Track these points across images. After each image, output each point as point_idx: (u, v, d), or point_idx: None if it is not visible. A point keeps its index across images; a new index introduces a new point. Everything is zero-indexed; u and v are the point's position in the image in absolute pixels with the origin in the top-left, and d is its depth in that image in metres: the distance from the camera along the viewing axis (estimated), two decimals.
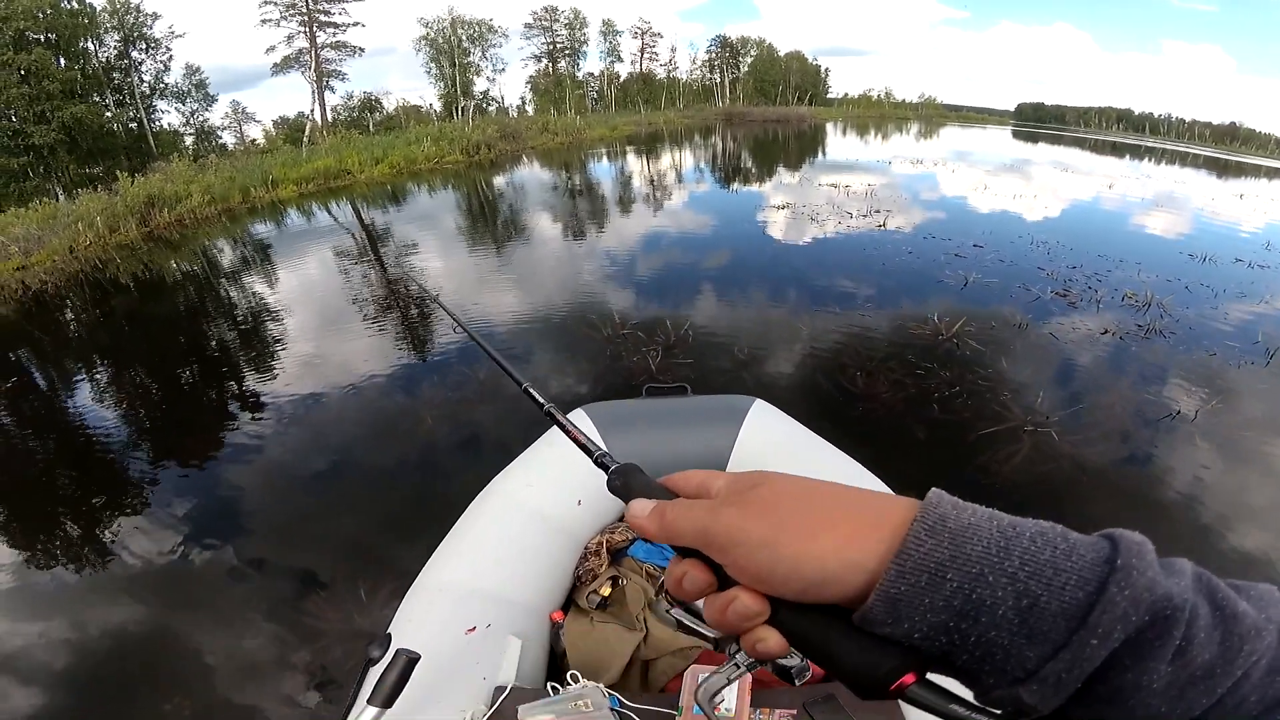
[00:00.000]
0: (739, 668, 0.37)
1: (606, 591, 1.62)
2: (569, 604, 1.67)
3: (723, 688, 0.39)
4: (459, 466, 3.35)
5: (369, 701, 1.03)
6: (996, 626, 0.27)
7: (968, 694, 0.30)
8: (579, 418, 1.94)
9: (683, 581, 0.35)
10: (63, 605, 2.67)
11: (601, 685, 1.19)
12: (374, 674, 1.11)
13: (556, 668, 1.47)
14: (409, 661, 1.07)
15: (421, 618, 1.42)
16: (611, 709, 1.13)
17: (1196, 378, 4.05)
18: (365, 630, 2.31)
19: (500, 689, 1.21)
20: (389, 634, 1.24)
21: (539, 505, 1.73)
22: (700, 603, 0.37)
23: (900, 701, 0.30)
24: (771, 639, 0.33)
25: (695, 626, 0.42)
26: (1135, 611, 0.25)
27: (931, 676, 0.30)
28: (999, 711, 0.28)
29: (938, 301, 5.27)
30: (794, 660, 0.37)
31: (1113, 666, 0.25)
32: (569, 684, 1.21)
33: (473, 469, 3.25)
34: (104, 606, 2.65)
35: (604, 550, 1.73)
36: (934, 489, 0.31)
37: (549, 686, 1.22)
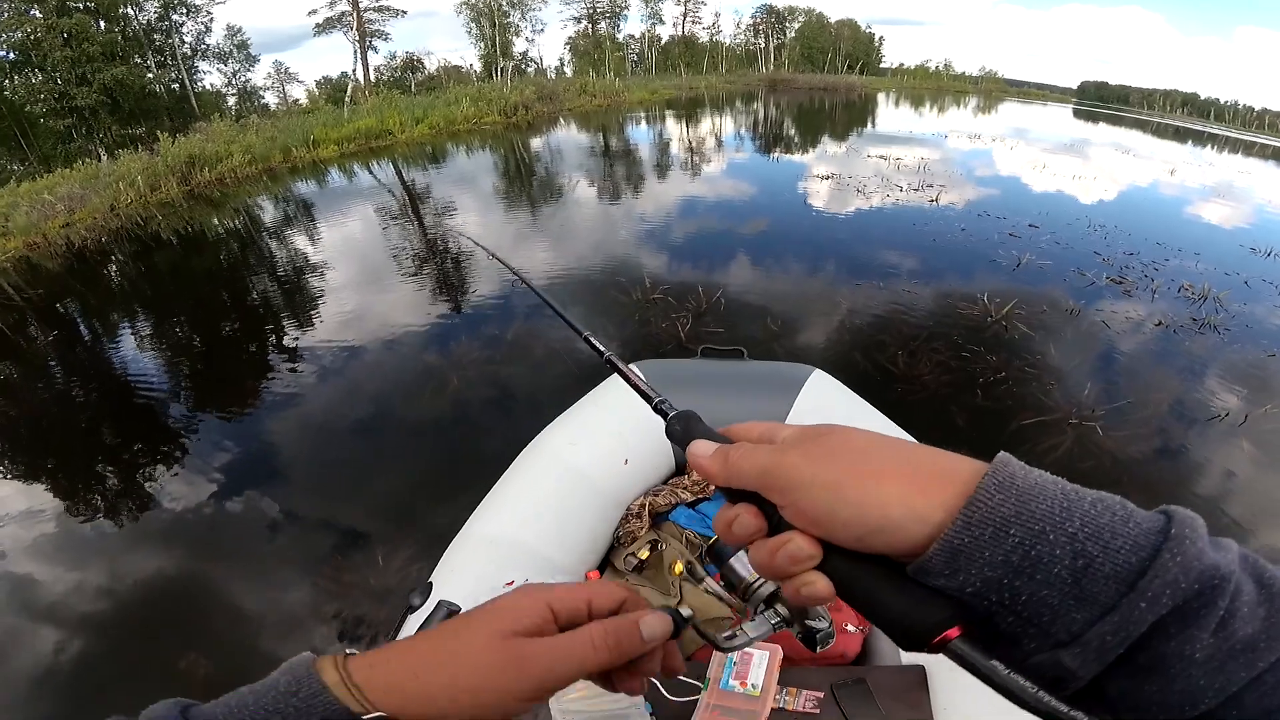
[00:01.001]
0: (766, 623, 0.38)
1: (644, 555, 1.62)
2: (605, 564, 1.68)
3: (743, 644, 0.40)
4: (488, 426, 3.37)
5: None
6: (1049, 585, 0.27)
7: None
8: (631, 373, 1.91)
9: (733, 525, 0.36)
10: (96, 547, 2.78)
11: None
12: (413, 621, 1.13)
13: None
14: (449, 613, 1.08)
15: (463, 568, 1.45)
16: None
17: (1251, 379, 3.83)
18: (378, 590, 2.35)
19: None
20: (430, 582, 1.30)
21: (586, 463, 1.72)
22: (739, 562, 0.39)
23: (928, 689, 0.29)
24: (819, 583, 0.32)
25: (725, 596, 0.42)
26: (1185, 578, 0.25)
27: None
28: (1035, 679, 0.28)
29: (989, 281, 5.06)
30: (821, 624, 0.39)
31: (1156, 634, 0.25)
32: None
33: (502, 428, 3.30)
34: (129, 549, 2.75)
35: (646, 513, 1.73)
36: (1002, 452, 0.31)
37: None
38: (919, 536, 0.30)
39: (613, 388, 1.97)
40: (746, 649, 1.11)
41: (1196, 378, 3.84)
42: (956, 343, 3.94)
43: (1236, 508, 2.79)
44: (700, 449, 0.39)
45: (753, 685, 1.08)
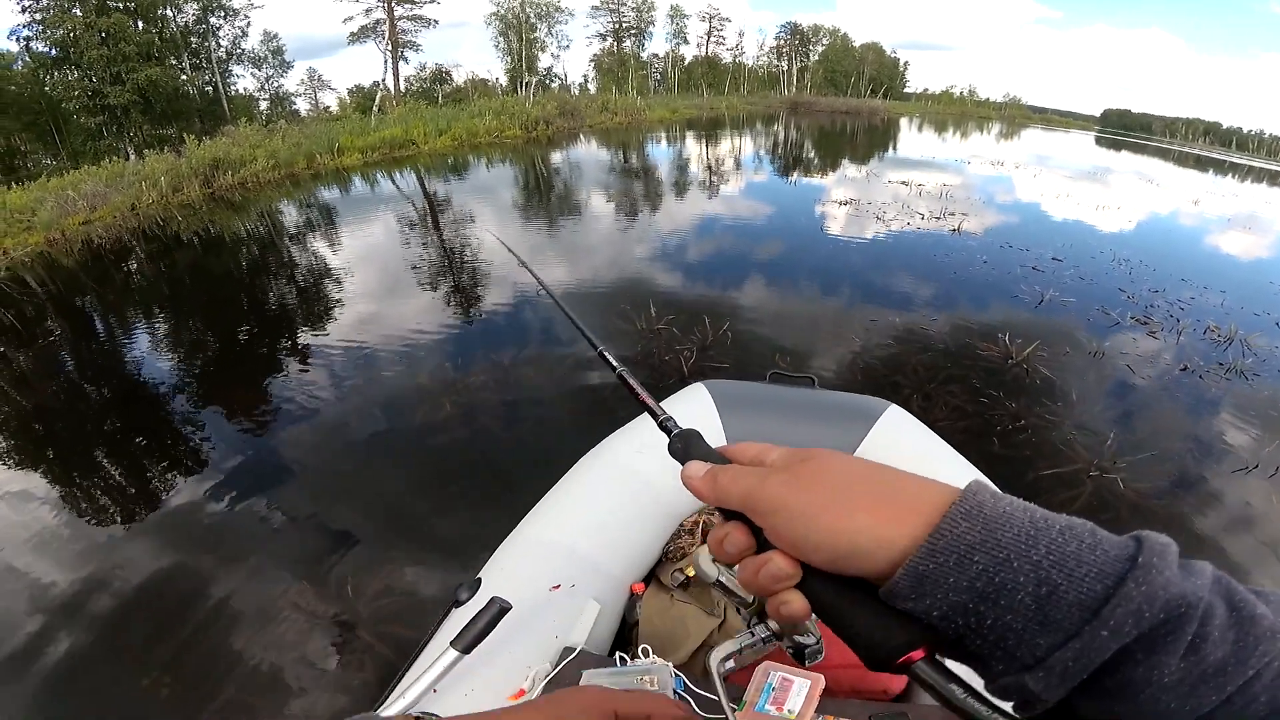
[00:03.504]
0: (753, 638, 0.41)
1: (692, 572, 1.58)
2: (650, 577, 1.66)
3: (732, 654, 0.43)
4: (494, 446, 3.34)
5: (452, 644, 1.06)
6: (1013, 611, 0.27)
7: (978, 684, 0.30)
8: (697, 391, 1.92)
9: (724, 542, 0.37)
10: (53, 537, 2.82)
11: (671, 665, 1.17)
12: (458, 616, 1.16)
13: (624, 638, 1.46)
14: (500, 610, 1.11)
15: (512, 567, 1.46)
16: (675, 690, 1.12)
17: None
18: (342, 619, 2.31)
19: (569, 650, 1.21)
20: (479, 578, 1.32)
21: (645, 473, 1.69)
22: (735, 568, 0.38)
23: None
24: (796, 602, 0.34)
25: (731, 587, 0.44)
26: (1149, 607, 0.25)
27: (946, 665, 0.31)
28: (1002, 701, 0.29)
29: (1010, 319, 4.93)
30: (809, 640, 0.39)
31: (1124, 660, 0.26)
32: (638, 657, 1.21)
33: (510, 449, 3.30)
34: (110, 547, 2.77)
35: (699, 530, 1.70)
36: (975, 479, 0.32)
37: (617, 656, 1.21)
38: (886, 562, 0.30)
39: (687, 399, 1.92)
40: (787, 676, 1.13)
41: (1223, 427, 3.69)
42: (975, 386, 3.81)
43: (1265, 566, 2.65)
44: (693, 469, 0.41)
45: (789, 710, 1.08)
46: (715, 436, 1.76)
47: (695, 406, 1.88)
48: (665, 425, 0.49)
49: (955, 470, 1.70)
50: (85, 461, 3.50)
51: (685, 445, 0.45)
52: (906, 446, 1.76)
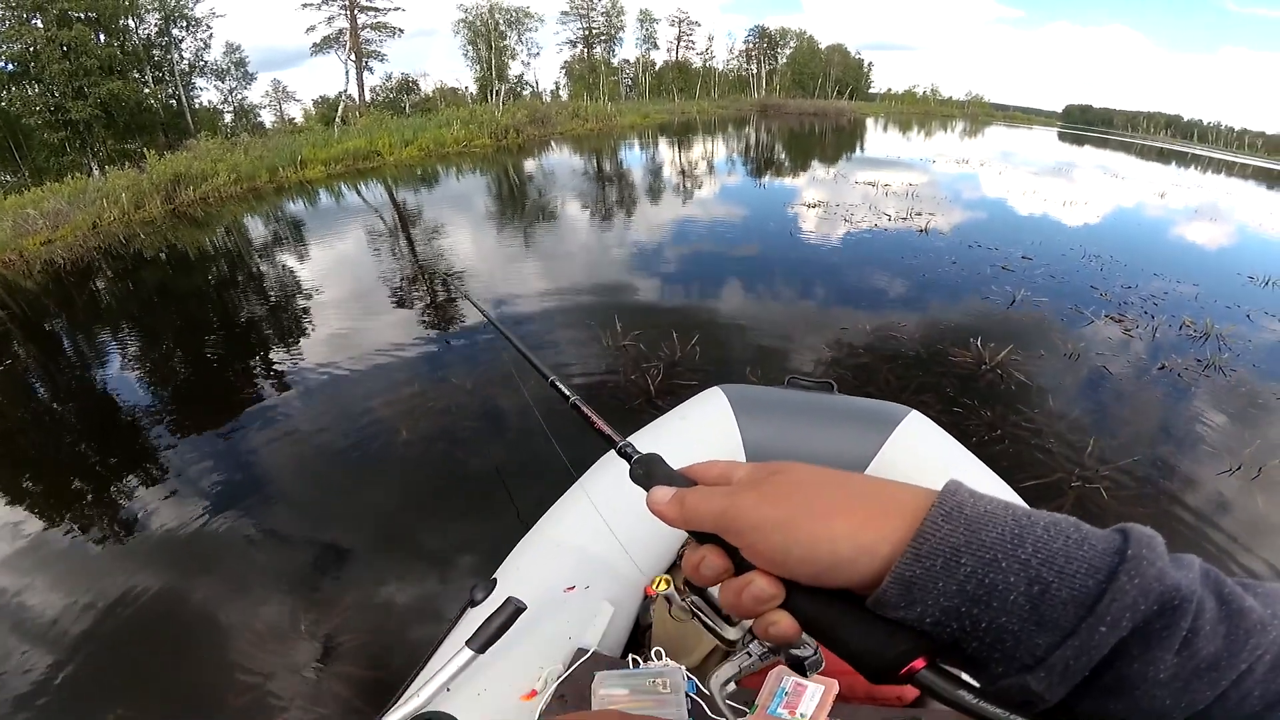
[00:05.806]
0: (751, 657, 0.42)
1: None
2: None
3: (733, 677, 0.43)
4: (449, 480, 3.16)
5: (467, 644, 1.06)
6: (1007, 612, 0.27)
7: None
8: (715, 396, 1.90)
9: (700, 567, 0.36)
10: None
11: (683, 668, 1.16)
12: (473, 615, 1.16)
13: (637, 640, 1.47)
14: (515, 611, 1.11)
15: (527, 568, 1.47)
16: (688, 693, 1.12)
17: (1261, 424, 3.59)
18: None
19: (582, 651, 1.20)
20: (494, 579, 1.33)
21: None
22: (715, 590, 0.38)
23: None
24: (784, 622, 0.33)
25: (710, 624, 0.40)
26: (1144, 600, 0.25)
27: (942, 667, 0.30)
28: (1001, 705, 0.28)
29: (982, 322, 4.81)
30: (807, 651, 0.39)
31: (1119, 656, 0.26)
32: (651, 659, 1.21)
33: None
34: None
35: None
36: (952, 479, 0.31)
37: (630, 659, 1.20)
38: (870, 570, 0.30)
39: (704, 404, 1.90)
40: (800, 681, 1.11)
41: (1204, 426, 3.59)
42: (948, 395, 3.67)
43: (1256, 574, 2.54)
44: (659, 495, 0.39)
45: (801, 715, 1.06)
46: (732, 442, 1.77)
47: (712, 412, 1.86)
48: (624, 452, 0.48)
49: (978, 479, 1.66)
50: (46, 482, 3.40)
51: (646, 470, 0.44)
52: (927, 454, 1.72)
